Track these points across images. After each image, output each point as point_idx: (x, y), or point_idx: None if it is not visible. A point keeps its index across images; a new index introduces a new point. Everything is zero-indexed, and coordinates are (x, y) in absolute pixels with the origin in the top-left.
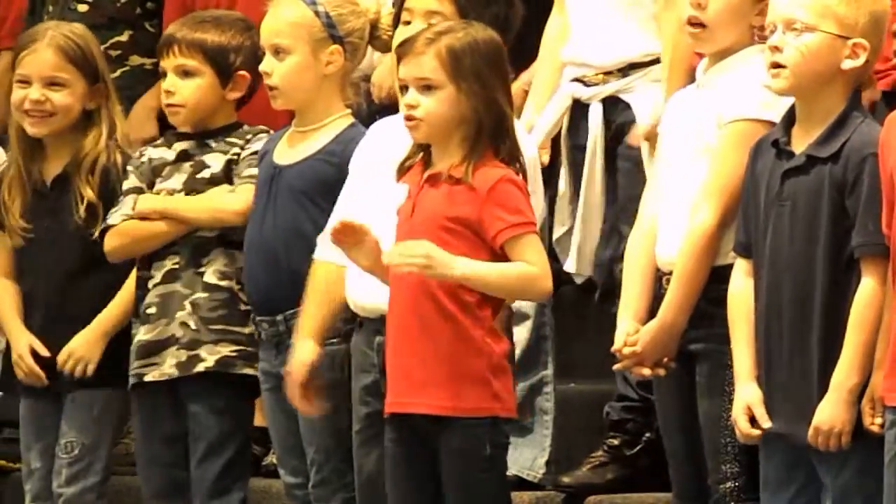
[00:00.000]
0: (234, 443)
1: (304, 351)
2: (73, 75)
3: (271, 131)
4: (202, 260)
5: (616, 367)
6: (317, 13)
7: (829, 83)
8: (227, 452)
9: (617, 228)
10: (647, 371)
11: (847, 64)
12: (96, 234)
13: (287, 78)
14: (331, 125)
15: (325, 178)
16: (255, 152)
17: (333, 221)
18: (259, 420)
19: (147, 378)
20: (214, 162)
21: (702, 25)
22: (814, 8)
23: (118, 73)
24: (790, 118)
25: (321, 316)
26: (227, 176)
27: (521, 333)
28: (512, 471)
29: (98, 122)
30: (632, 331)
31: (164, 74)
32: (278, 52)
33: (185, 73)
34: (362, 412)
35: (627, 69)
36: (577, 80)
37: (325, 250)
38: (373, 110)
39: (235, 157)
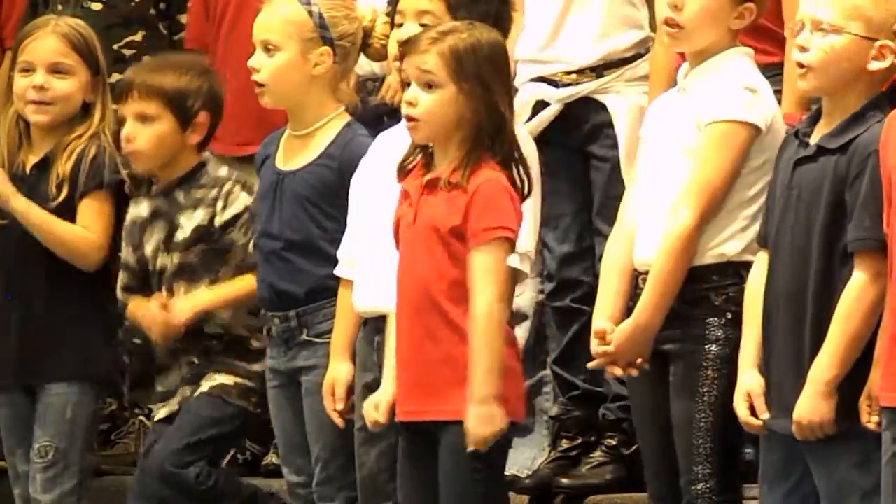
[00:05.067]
0: (213, 429)
1: (343, 372)
2: (77, 63)
3: (241, 178)
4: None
5: (590, 365)
6: (310, 13)
7: (854, 83)
8: (203, 433)
9: (596, 227)
10: (618, 371)
11: (874, 65)
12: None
13: (274, 75)
14: (327, 127)
15: (327, 183)
16: (237, 216)
17: (347, 239)
18: None
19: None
20: (186, 223)
21: (679, 27)
22: (842, 9)
23: None
24: (818, 114)
25: (350, 334)
26: (201, 239)
27: (520, 333)
28: (511, 470)
29: (92, 115)
30: (607, 330)
31: (123, 121)
32: (268, 48)
33: (144, 119)
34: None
35: (601, 69)
36: (541, 78)
37: (342, 267)
38: (381, 111)
39: (209, 218)
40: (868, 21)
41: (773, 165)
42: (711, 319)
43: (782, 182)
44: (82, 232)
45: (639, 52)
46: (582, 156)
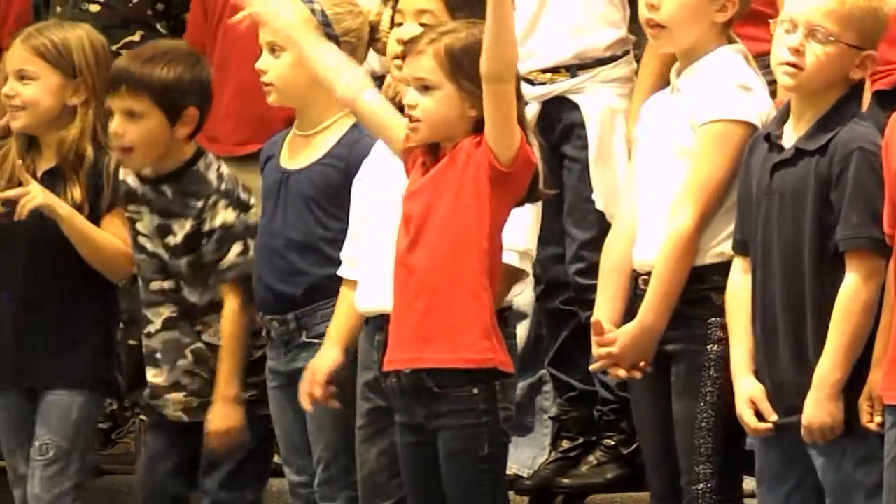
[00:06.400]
0: (237, 453)
1: (328, 357)
2: (43, 69)
3: (228, 189)
4: (195, 320)
5: (592, 367)
6: (312, 11)
7: (834, 87)
8: (229, 463)
9: (566, 230)
10: (622, 373)
11: (856, 74)
12: None
13: (282, 76)
14: (333, 127)
15: (332, 184)
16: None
17: (350, 240)
18: None
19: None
20: (179, 231)
21: (659, 26)
22: (838, 18)
23: None
24: (785, 113)
25: (349, 326)
26: (187, 248)
27: (520, 332)
28: (512, 469)
29: (75, 117)
30: (607, 331)
31: (112, 114)
32: (274, 49)
33: (133, 115)
34: (364, 408)
35: (576, 68)
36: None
37: (346, 269)
38: None
39: (196, 227)
40: (859, 31)
41: (743, 169)
42: (713, 319)
43: (759, 187)
44: (120, 244)
45: (615, 53)
46: (557, 156)
